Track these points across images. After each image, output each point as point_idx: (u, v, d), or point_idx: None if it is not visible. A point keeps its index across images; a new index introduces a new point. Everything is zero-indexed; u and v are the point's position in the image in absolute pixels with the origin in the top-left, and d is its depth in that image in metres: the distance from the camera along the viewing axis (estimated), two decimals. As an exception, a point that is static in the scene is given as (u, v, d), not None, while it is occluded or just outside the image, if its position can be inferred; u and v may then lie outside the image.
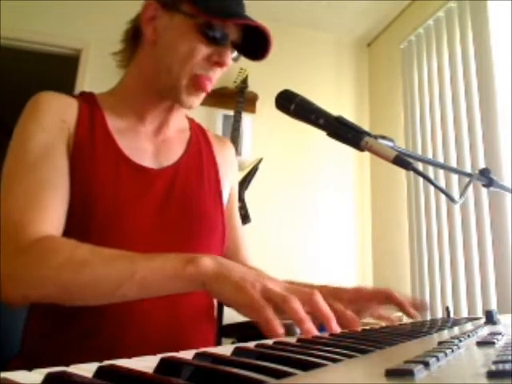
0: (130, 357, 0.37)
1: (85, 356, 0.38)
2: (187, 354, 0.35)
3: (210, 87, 0.85)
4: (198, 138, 0.98)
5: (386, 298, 0.79)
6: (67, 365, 0.32)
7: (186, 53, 0.82)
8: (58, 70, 3.84)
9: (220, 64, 0.84)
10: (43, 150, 0.78)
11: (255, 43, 0.85)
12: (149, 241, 0.81)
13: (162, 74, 0.84)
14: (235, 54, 0.88)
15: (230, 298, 0.59)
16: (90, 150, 0.82)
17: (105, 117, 0.86)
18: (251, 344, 0.43)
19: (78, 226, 0.78)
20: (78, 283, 0.65)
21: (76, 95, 0.90)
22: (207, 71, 0.84)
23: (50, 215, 0.74)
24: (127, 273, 0.63)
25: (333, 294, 0.77)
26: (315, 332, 0.55)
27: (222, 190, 0.96)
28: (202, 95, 0.87)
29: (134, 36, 0.89)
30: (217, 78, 0.86)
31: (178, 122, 0.96)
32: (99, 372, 0.28)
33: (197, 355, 0.35)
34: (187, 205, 0.87)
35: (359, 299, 0.81)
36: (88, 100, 0.88)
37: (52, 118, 0.81)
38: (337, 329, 0.58)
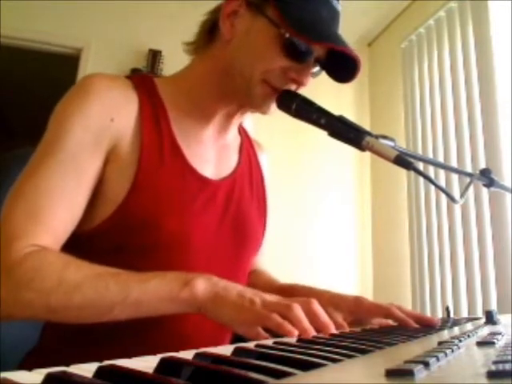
0: None
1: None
2: (187, 354, 0.35)
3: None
4: (247, 144, 0.94)
5: (386, 314, 0.76)
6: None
7: (262, 60, 0.75)
8: (58, 69, 3.84)
9: (297, 82, 0.77)
10: (73, 153, 0.70)
11: (341, 63, 0.77)
12: (208, 255, 0.79)
13: (236, 77, 0.77)
14: (316, 69, 0.80)
15: (231, 318, 0.59)
16: (159, 162, 0.74)
17: (168, 115, 0.78)
18: (251, 344, 0.43)
19: (142, 240, 0.73)
20: (68, 307, 0.62)
21: (133, 79, 0.80)
22: (281, 85, 0.76)
23: (53, 228, 0.67)
24: (119, 296, 0.61)
25: (333, 303, 0.76)
26: (311, 333, 0.56)
27: (267, 203, 0.94)
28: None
29: (211, 29, 0.81)
30: None
31: (236, 127, 0.90)
32: (99, 372, 0.28)
33: (197, 355, 0.35)
34: (240, 219, 0.85)
35: (359, 312, 0.79)
36: (148, 90, 0.79)
37: (100, 116, 0.72)
38: None
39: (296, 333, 0.55)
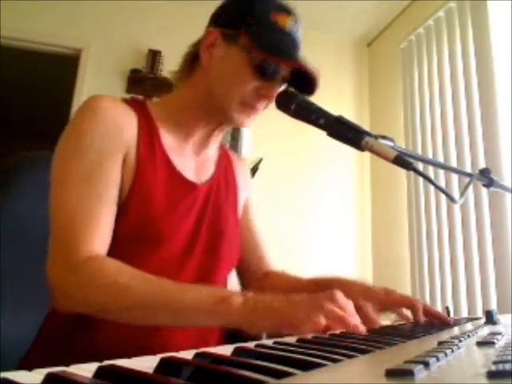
0: None
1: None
2: (187, 354, 0.35)
3: (255, 115, 0.91)
4: (224, 158, 1.05)
5: (409, 305, 0.87)
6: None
7: (237, 84, 0.87)
8: (58, 70, 3.84)
9: (268, 98, 0.88)
10: (98, 161, 0.79)
11: (304, 79, 0.88)
12: (186, 251, 0.88)
13: (214, 99, 0.89)
14: (284, 85, 0.91)
15: (262, 326, 0.65)
16: (152, 170, 0.85)
17: (159, 132, 0.90)
18: (251, 344, 0.43)
19: (135, 236, 0.82)
20: (118, 307, 0.71)
21: (129, 101, 0.91)
22: (255, 102, 0.88)
23: (102, 233, 0.77)
24: (163, 303, 0.69)
25: (364, 293, 0.85)
26: (361, 328, 0.60)
27: (239, 205, 1.05)
28: (253, 116, 0.91)
29: (193, 59, 0.94)
30: (263, 108, 0.91)
31: (215, 144, 1.02)
32: (99, 372, 0.28)
33: (197, 355, 0.35)
34: (216, 220, 0.95)
35: (388, 302, 0.88)
36: (142, 110, 0.90)
37: (111, 127, 0.82)
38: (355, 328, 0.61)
39: (323, 321, 0.59)
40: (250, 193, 1.12)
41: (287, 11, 0.90)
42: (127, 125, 0.85)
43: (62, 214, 0.76)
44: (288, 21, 0.88)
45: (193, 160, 0.95)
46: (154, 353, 0.78)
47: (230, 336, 0.98)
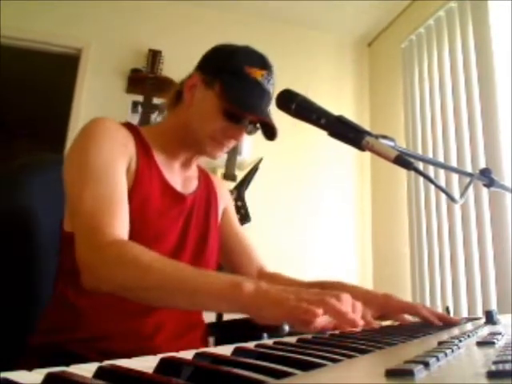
0: None
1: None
2: (187, 354, 0.35)
3: (224, 151, 1.05)
4: (203, 175, 1.20)
5: (414, 313, 0.89)
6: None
7: (208, 123, 1.01)
8: (58, 70, 3.84)
9: (235, 138, 1.03)
10: (108, 165, 0.89)
11: (268, 126, 1.04)
12: (175, 253, 0.97)
13: (190, 132, 1.03)
14: (251, 127, 1.05)
15: (268, 315, 0.65)
16: (149, 181, 0.98)
17: (152, 151, 1.03)
18: (251, 344, 0.43)
19: (130, 235, 0.88)
20: (139, 286, 0.75)
21: (125, 124, 1.04)
22: (223, 139, 1.02)
23: (122, 220, 0.85)
24: (180, 284, 0.72)
25: (364, 299, 0.86)
26: (359, 322, 0.62)
27: (219, 214, 1.19)
28: (224, 150, 1.04)
29: (179, 94, 1.08)
30: (231, 146, 1.06)
31: (196, 164, 1.17)
32: (99, 372, 0.28)
33: (197, 355, 0.35)
34: (201, 227, 1.07)
35: (387, 308, 0.91)
36: (136, 132, 1.03)
37: (114, 142, 0.94)
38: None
39: (320, 311, 0.59)
40: (229, 203, 1.26)
41: (262, 66, 1.02)
42: (127, 142, 0.97)
43: (84, 207, 0.83)
44: (260, 75, 1.01)
45: (180, 175, 1.09)
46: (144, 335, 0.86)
47: (229, 336, 1.00)
